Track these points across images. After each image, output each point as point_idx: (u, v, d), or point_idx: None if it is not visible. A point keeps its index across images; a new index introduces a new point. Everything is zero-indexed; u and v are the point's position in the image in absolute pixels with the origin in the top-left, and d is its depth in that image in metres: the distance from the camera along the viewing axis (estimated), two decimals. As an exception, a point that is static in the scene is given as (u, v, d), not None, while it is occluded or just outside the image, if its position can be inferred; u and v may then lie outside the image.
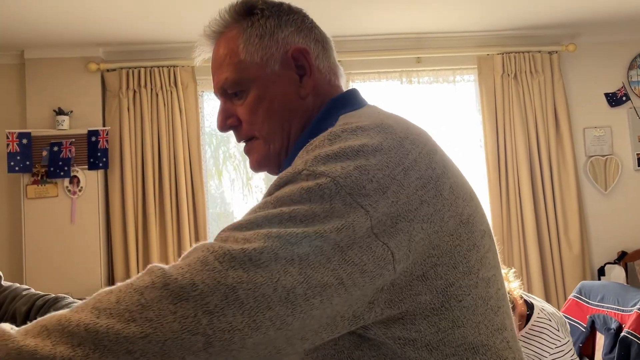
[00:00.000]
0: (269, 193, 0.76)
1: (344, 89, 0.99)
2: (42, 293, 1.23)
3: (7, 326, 0.62)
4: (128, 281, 0.65)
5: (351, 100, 0.93)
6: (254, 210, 0.74)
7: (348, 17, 3.81)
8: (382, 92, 4.31)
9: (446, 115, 4.37)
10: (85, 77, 4.13)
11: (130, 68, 4.13)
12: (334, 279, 0.67)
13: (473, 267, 0.79)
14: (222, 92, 0.96)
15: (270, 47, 0.92)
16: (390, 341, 0.76)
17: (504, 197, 4.21)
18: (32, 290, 1.27)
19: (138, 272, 3.95)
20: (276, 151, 0.95)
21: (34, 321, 0.62)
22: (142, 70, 4.13)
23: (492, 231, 0.89)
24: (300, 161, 0.77)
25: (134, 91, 4.13)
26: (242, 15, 0.94)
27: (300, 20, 0.95)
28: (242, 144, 0.99)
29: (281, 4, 0.96)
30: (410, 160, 0.77)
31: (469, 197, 0.84)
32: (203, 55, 1.00)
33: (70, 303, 1.19)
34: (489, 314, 0.81)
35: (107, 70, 4.15)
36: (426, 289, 0.75)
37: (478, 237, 0.81)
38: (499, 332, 0.82)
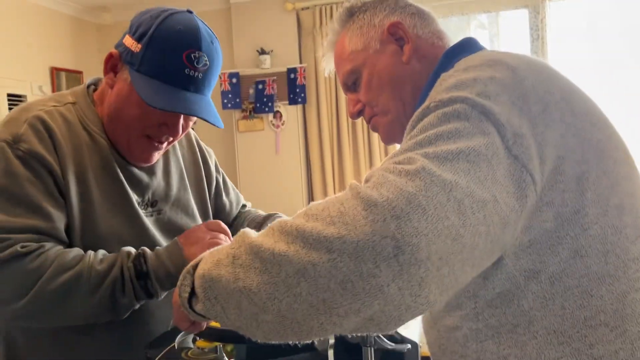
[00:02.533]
0: (407, 135, 0.80)
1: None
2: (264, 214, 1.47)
3: (249, 230, 0.78)
4: (335, 195, 0.74)
5: (466, 47, 0.97)
6: (401, 148, 0.77)
7: None
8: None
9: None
10: (282, 17, 4.43)
11: (323, 5, 4.31)
12: (490, 196, 0.69)
13: (602, 194, 0.78)
14: (346, 87, 1.09)
15: (368, 32, 1.04)
16: (517, 273, 0.77)
17: None
18: (261, 212, 1.51)
19: (335, 198, 4.27)
20: (395, 118, 1.02)
21: (269, 225, 0.77)
22: (334, 6, 4.29)
23: (632, 159, 0.86)
24: (425, 104, 0.80)
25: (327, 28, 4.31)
26: (346, 20, 1.08)
27: (393, 3, 1.06)
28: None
29: None
30: (527, 87, 0.78)
31: (602, 125, 0.83)
32: (329, 66, 1.14)
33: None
34: (622, 243, 0.79)
35: (302, 9, 4.39)
36: (552, 216, 0.76)
37: (610, 164, 0.80)
38: (634, 262, 0.79)
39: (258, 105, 4.36)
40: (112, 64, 1.13)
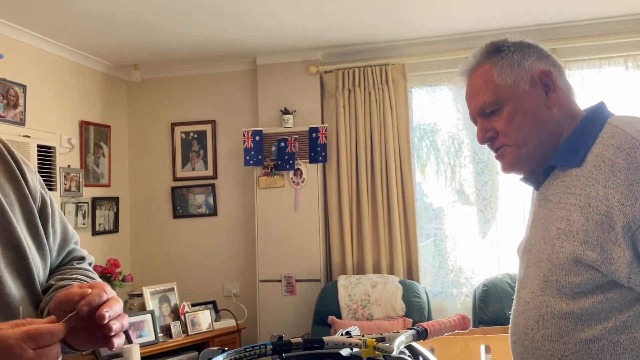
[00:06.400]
0: (627, 171, 1.00)
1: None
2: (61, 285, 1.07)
3: None
4: None
5: (606, 110, 1.17)
6: None
7: (566, 2, 3.65)
8: (602, 80, 4.03)
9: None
10: (306, 79, 4.56)
11: (345, 69, 4.45)
12: None
13: None
14: (480, 112, 1.21)
15: (519, 72, 1.17)
16: None
17: None
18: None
19: (353, 256, 4.30)
20: (528, 154, 1.17)
21: None
22: (357, 70, 4.42)
23: None
24: (626, 144, 1.01)
25: (349, 90, 4.44)
26: (492, 53, 1.21)
27: (538, 51, 1.21)
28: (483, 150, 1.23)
29: (521, 41, 1.22)
30: None
31: None
32: (458, 90, 1.26)
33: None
34: None
35: (325, 72, 4.52)
36: None
37: None
38: None
39: (279, 162, 4.43)
40: None
